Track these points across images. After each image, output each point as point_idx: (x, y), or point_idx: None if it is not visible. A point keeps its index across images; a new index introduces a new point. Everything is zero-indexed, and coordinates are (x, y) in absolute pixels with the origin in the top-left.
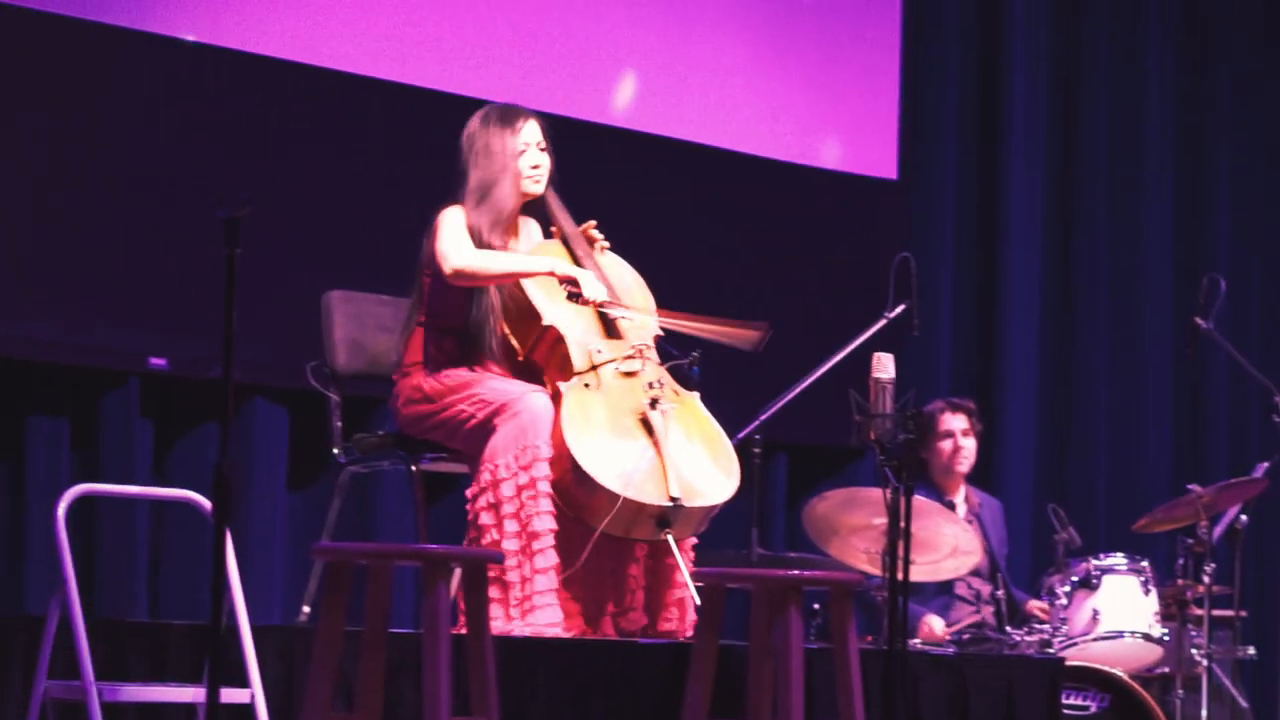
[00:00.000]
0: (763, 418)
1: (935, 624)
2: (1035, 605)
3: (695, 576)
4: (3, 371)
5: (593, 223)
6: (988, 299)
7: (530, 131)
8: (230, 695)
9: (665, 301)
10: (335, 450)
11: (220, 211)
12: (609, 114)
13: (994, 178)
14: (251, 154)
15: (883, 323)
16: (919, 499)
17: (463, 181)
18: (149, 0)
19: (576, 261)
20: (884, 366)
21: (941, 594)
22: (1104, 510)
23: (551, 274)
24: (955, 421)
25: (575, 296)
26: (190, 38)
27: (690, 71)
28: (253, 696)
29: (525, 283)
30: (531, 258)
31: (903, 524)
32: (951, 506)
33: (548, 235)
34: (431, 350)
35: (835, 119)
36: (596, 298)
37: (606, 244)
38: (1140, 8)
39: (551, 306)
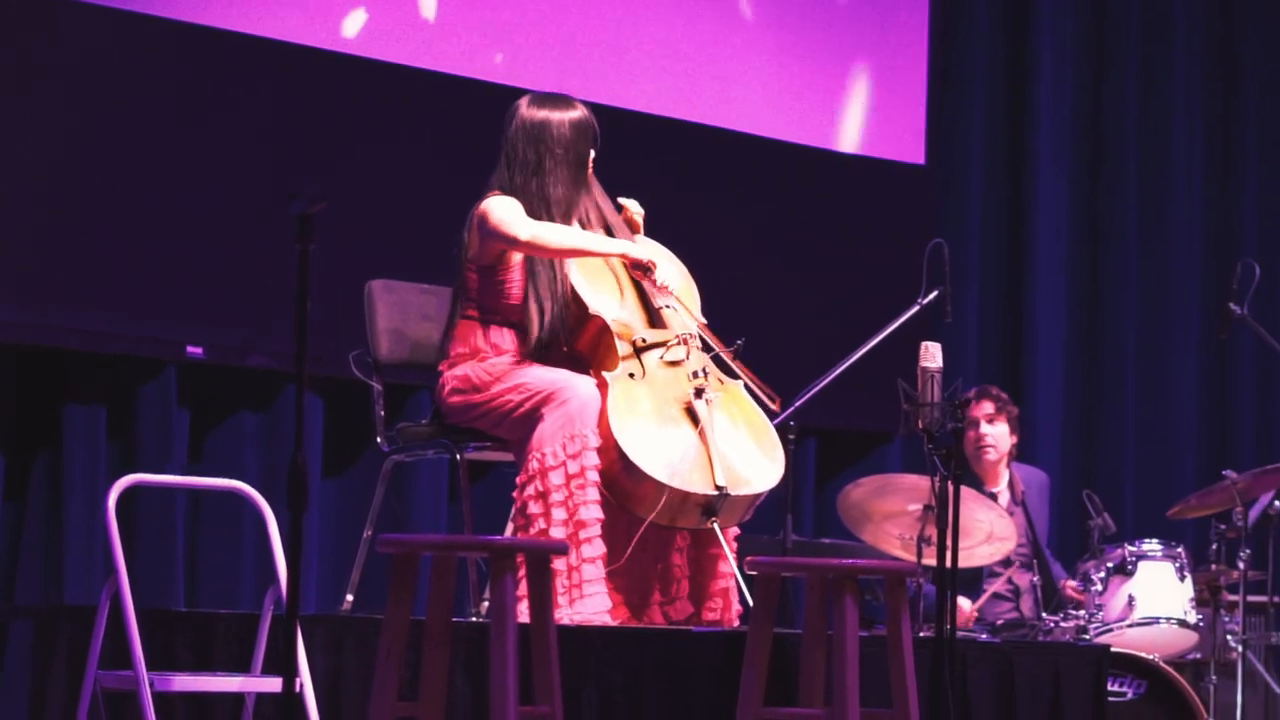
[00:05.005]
0: (798, 403)
1: (962, 603)
2: (1070, 586)
3: (750, 566)
4: (40, 361)
5: (633, 203)
6: (1015, 284)
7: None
8: (278, 685)
9: (701, 290)
10: (379, 439)
11: (294, 207)
12: (637, 100)
13: (1021, 162)
14: (290, 145)
15: (916, 309)
16: None
17: (512, 167)
18: None
19: None
20: (932, 355)
21: (980, 592)
22: (1132, 495)
23: (625, 256)
24: (980, 409)
25: (648, 273)
26: (227, 28)
27: (718, 57)
28: (301, 686)
29: (571, 274)
30: (605, 238)
31: (951, 512)
32: (993, 497)
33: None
34: (477, 341)
35: (863, 104)
36: (670, 283)
37: (640, 214)
38: None
39: (596, 296)
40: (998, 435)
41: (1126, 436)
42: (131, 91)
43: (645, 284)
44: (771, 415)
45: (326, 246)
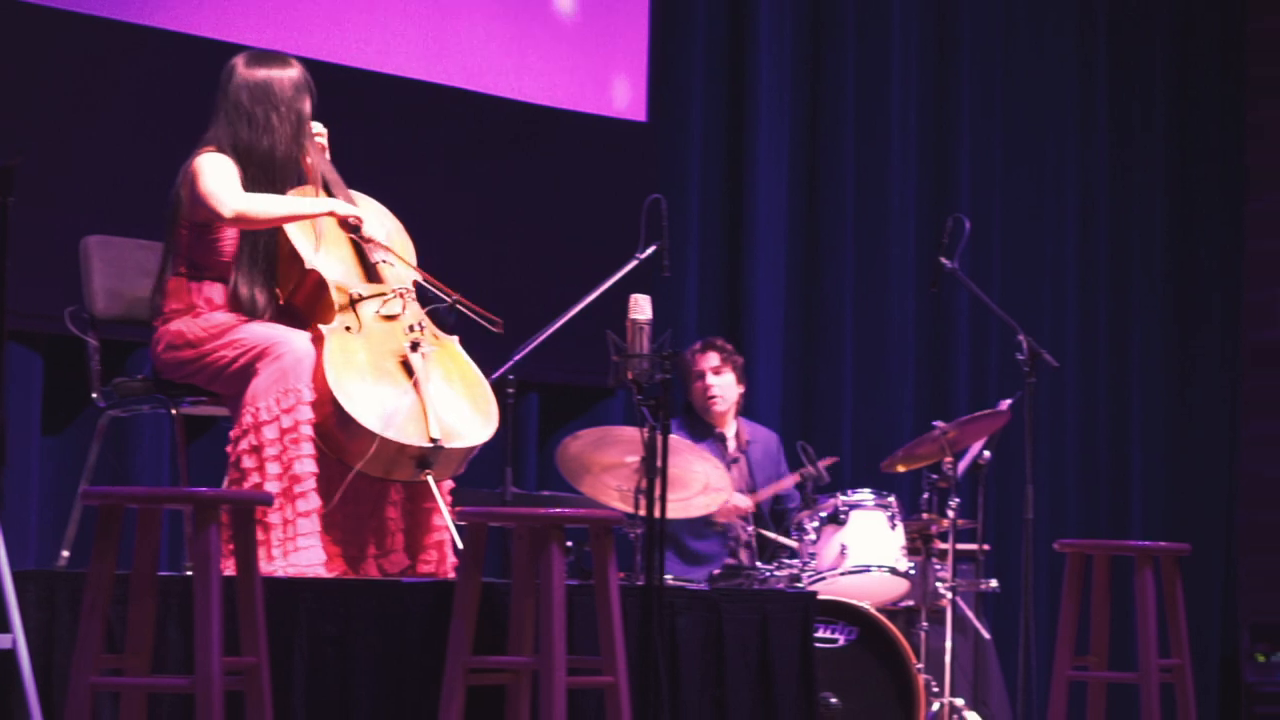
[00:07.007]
0: (517, 358)
1: (739, 500)
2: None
3: (458, 516)
4: None
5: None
6: (735, 240)
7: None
8: None
9: (418, 246)
10: (94, 395)
11: None
12: (353, 56)
13: (741, 119)
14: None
15: (634, 264)
16: (671, 437)
17: (235, 125)
18: None
19: None
20: (641, 308)
21: (721, 535)
22: (849, 447)
23: (333, 214)
24: (706, 361)
25: (355, 230)
26: None
27: (438, 12)
28: (14, 642)
29: (287, 227)
30: (312, 199)
31: (659, 463)
32: (722, 440)
33: None
34: (192, 297)
35: (585, 62)
36: (378, 236)
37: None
38: None
39: (313, 251)
40: (724, 385)
41: (844, 389)
42: None
43: (361, 242)
44: (486, 367)
45: (55, 204)
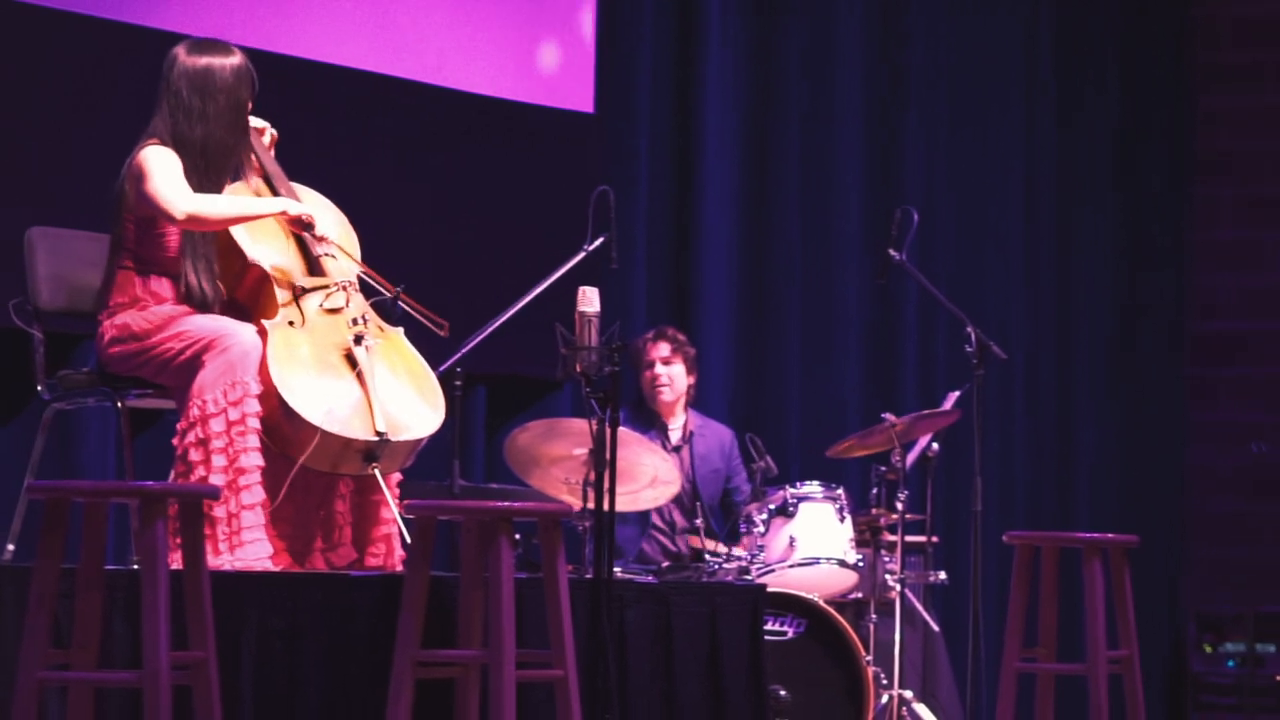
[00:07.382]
0: (464, 350)
1: None
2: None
3: (407, 509)
4: None
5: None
6: (683, 231)
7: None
8: None
9: (365, 238)
10: (39, 387)
11: None
12: (307, 48)
13: (689, 110)
14: None
15: (581, 255)
16: (620, 430)
17: (176, 114)
18: None
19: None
20: (589, 300)
21: (639, 523)
22: (797, 439)
23: (284, 214)
24: (657, 350)
25: (309, 229)
26: None
27: (381, 3)
28: None
29: None
30: (263, 199)
31: (608, 456)
32: (665, 429)
33: None
34: (137, 291)
35: (532, 52)
36: (328, 232)
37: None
38: None
39: (254, 245)
40: (673, 375)
41: (792, 381)
42: None
43: (305, 235)
44: (433, 360)
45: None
